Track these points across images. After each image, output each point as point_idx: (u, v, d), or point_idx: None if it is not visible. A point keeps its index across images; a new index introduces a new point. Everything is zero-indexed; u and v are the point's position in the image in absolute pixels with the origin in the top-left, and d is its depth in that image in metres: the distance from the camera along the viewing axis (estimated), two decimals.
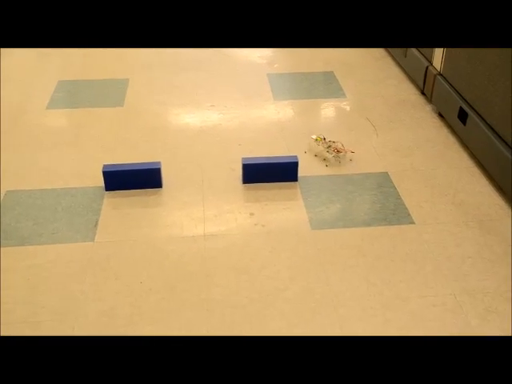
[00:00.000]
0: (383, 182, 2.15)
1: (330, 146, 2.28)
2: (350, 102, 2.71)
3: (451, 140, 2.40)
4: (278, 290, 1.69)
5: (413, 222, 1.95)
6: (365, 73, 2.98)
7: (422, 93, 2.72)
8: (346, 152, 2.28)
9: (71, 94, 2.78)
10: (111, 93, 2.77)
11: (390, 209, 2.01)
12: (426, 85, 2.65)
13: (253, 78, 2.92)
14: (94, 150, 2.33)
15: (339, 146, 2.29)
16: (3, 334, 1.54)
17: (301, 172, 2.15)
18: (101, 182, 2.09)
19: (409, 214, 1.98)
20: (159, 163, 2.12)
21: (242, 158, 2.14)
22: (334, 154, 2.27)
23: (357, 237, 1.89)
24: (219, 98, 2.73)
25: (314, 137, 2.31)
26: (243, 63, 3.10)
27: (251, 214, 1.99)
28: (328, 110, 2.68)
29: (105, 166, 2.09)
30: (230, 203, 2.04)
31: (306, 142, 2.37)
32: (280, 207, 2.02)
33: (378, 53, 3.19)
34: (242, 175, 2.13)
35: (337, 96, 2.76)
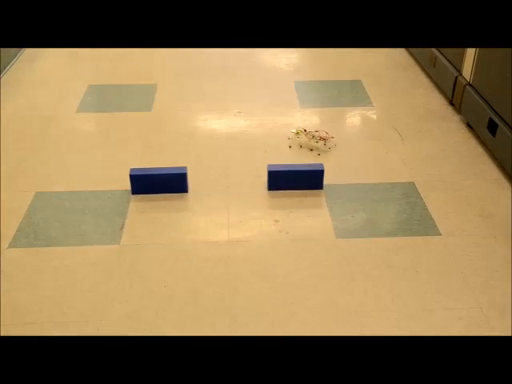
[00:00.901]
0: (409, 192, 2.13)
1: (313, 137, 2.33)
2: (376, 111, 2.70)
3: (479, 151, 2.37)
4: (302, 298, 1.69)
5: (439, 234, 1.93)
6: (393, 82, 2.96)
7: (451, 103, 2.70)
8: (330, 138, 2.35)
9: (101, 98, 2.82)
10: (140, 98, 2.81)
11: (415, 219, 1.99)
12: (454, 95, 2.62)
13: (280, 86, 2.93)
14: (122, 153, 2.36)
15: (323, 134, 2.34)
16: (32, 333, 1.56)
17: (326, 180, 2.14)
18: (127, 185, 2.12)
19: (435, 225, 1.96)
20: (185, 168, 2.13)
21: (268, 165, 2.15)
22: (320, 142, 2.33)
23: (382, 247, 1.88)
24: (246, 104, 2.74)
25: (294, 130, 2.37)
26: (270, 70, 3.11)
27: (276, 221, 1.99)
28: (354, 118, 2.67)
29: (132, 170, 2.11)
30: (255, 210, 2.04)
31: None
32: (305, 215, 2.02)
33: (406, 62, 3.18)
34: (268, 182, 2.14)
35: (364, 105, 2.75)
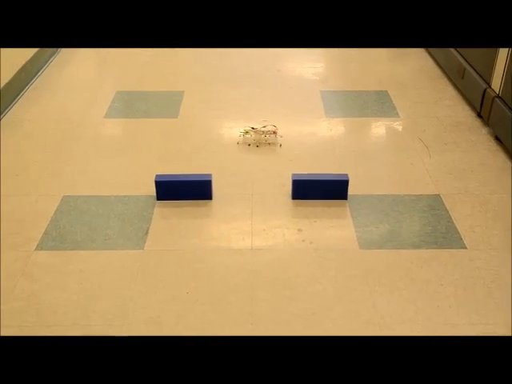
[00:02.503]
0: (435, 205, 2.11)
1: (263, 132, 2.45)
2: (403, 121, 2.69)
3: (508, 165, 2.34)
4: (323, 308, 1.68)
5: (464, 247, 1.90)
6: (420, 93, 2.94)
7: (479, 115, 2.67)
8: (277, 131, 2.49)
9: (128, 104, 2.86)
10: (166, 104, 2.84)
11: (441, 232, 1.97)
12: (483, 107, 2.59)
13: (306, 95, 2.94)
14: (148, 159, 2.39)
15: (271, 128, 2.46)
16: (56, 334, 1.58)
17: (351, 190, 2.14)
18: (153, 191, 2.14)
19: (461, 239, 1.94)
20: (210, 175, 2.15)
21: (292, 174, 2.15)
22: (271, 135, 2.45)
23: (406, 259, 1.86)
24: (272, 113, 2.75)
25: (243, 130, 2.47)
26: (296, 79, 3.12)
27: (299, 230, 1.99)
28: (380, 128, 2.65)
29: (157, 176, 2.14)
30: (279, 218, 2.05)
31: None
32: (328, 225, 2.02)
33: (433, 73, 3.15)
34: (292, 191, 2.14)
35: (390, 115, 2.74)
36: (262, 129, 2.46)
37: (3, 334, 1.59)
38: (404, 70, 3.21)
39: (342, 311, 1.67)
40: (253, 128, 2.46)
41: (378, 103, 2.86)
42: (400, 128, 2.64)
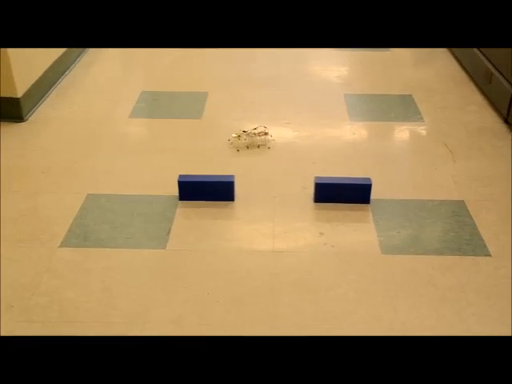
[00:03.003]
0: (459, 211, 2.09)
1: (255, 134, 2.44)
2: (427, 126, 2.66)
3: None
4: (344, 312, 1.67)
5: (489, 255, 1.88)
6: (445, 98, 2.91)
7: (506, 121, 2.63)
8: (268, 131, 2.49)
9: (153, 105, 2.88)
10: (190, 105, 2.85)
11: (464, 239, 1.95)
12: (510, 113, 2.56)
13: (329, 98, 2.93)
14: (171, 159, 2.41)
15: (261, 129, 2.46)
16: (79, 332, 1.61)
17: (373, 195, 2.12)
18: (175, 191, 2.15)
19: (485, 246, 1.91)
20: (233, 177, 2.15)
21: (315, 177, 2.15)
22: (264, 136, 2.45)
23: (428, 265, 1.84)
24: (295, 115, 2.75)
25: (235, 135, 2.45)
26: (320, 82, 3.11)
27: (321, 234, 1.98)
28: (404, 133, 2.64)
29: (180, 176, 2.15)
30: (301, 221, 2.04)
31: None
32: (350, 229, 2.01)
33: (459, 77, 3.12)
34: (314, 194, 2.14)
35: (414, 120, 2.72)
36: (253, 131, 2.45)
37: (28, 329, 1.61)
38: (429, 74, 3.19)
39: (362, 316, 1.66)
40: (244, 131, 2.46)
41: (403, 107, 2.84)
42: (424, 133, 2.62)
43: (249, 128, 2.50)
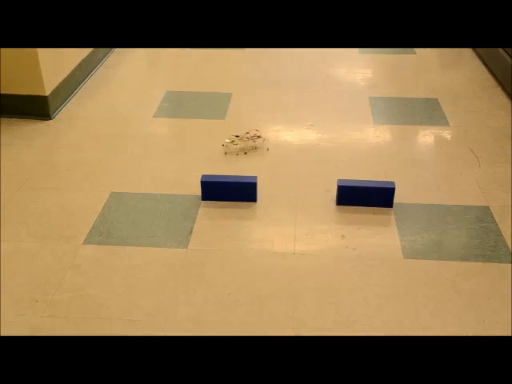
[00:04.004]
0: (483, 217, 2.06)
1: (248, 138, 2.42)
2: (452, 131, 2.63)
3: None
4: (365, 316, 1.66)
5: None
6: (471, 102, 2.88)
7: None
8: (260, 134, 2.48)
9: (177, 104, 2.90)
10: (214, 105, 2.86)
11: (489, 245, 1.92)
12: None
13: (354, 100, 2.92)
14: (194, 159, 2.42)
15: (253, 132, 2.45)
16: (100, 328, 1.62)
17: (396, 198, 2.11)
18: (198, 191, 2.16)
19: (510, 253, 1.88)
20: (255, 178, 2.16)
21: (338, 180, 2.14)
22: (258, 140, 2.43)
23: (451, 271, 1.82)
24: (319, 117, 2.74)
25: (228, 140, 2.43)
26: (345, 85, 3.10)
27: (343, 237, 1.97)
28: (429, 137, 2.61)
29: (203, 176, 2.16)
30: (322, 223, 2.04)
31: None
32: (373, 232, 1.99)
33: (486, 82, 3.08)
34: (337, 196, 2.13)
35: (439, 124, 2.69)
36: (246, 135, 2.44)
37: (51, 324, 1.64)
38: (456, 77, 3.15)
39: (383, 320, 1.65)
40: (237, 136, 2.45)
41: (428, 111, 2.81)
42: (449, 137, 2.59)
43: (241, 132, 2.50)
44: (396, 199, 2.11)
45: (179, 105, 2.90)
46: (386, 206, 2.10)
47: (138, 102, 2.91)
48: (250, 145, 2.37)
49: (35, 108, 2.68)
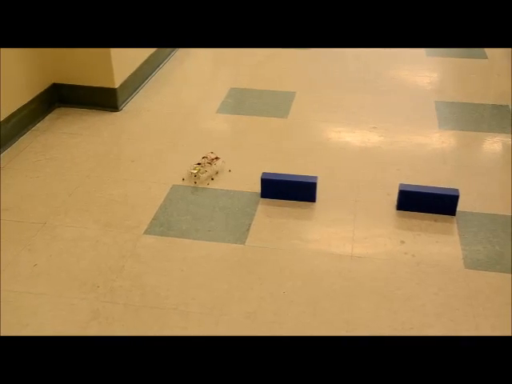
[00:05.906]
0: None
1: (210, 163, 2.30)
2: None
3: None
4: (422, 325, 1.63)
5: None
6: None
7: None
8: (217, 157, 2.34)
9: (240, 101, 2.93)
10: (277, 104, 2.87)
11: None
12: None
13: (419, 104, 2.86)
14: (255, 156, 2.43)
15: (210, 155, 2.32)
16: (156, 318, 1.66)
17: (460, 207, 2.05)
18: (258, 188, 2.18)
19: None
20: (316, 178, 2.15)
21: (400, 184, 2.10)
22: (218, 162, 2.31)
23: None
24: (382, 120, 2.70)
25: (195, 171, 2.26)
26: (410, 88, 3.04)
27: (402, 242, 1.94)
28: (496, 144, 2.53)
29: (263, 174, 2.17)
30: (381, 227, 2.01)
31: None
32: (433, 239, 1.95)
33: None
34: (397, 201, 2.09)
35: (509, 132, 2.60)
36: (204, 160, 2.30)
37: (111, 310, 1.69)
38: None
39: (440, 330, 1.61)
40: (198, 164, 2.29)
41: (497, 118, 2.72)
42: None
43: (197, 159, 2.33)
44: (459, 207, 2.05)
45: (242, 102, 2.92)
46: (448, 214, 2.05)
47: (202, 97, 2.95)
48: (214, 169, 2.27)
49: (105, 100, 2.77)
